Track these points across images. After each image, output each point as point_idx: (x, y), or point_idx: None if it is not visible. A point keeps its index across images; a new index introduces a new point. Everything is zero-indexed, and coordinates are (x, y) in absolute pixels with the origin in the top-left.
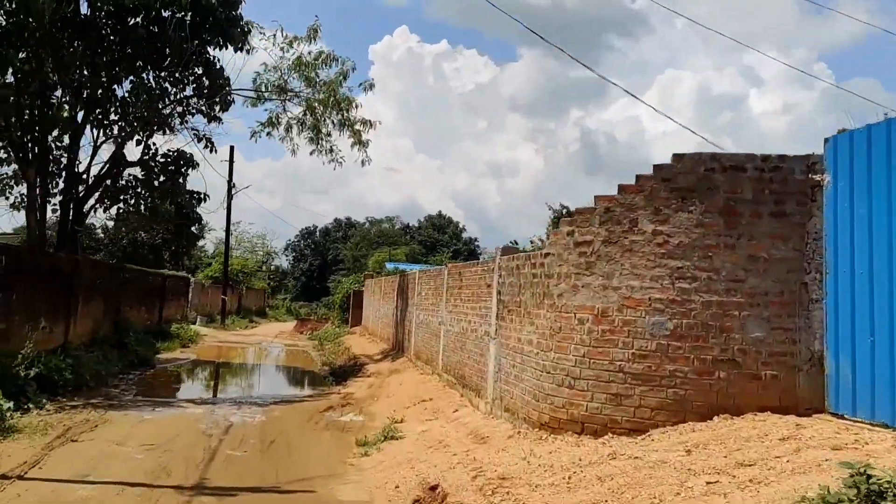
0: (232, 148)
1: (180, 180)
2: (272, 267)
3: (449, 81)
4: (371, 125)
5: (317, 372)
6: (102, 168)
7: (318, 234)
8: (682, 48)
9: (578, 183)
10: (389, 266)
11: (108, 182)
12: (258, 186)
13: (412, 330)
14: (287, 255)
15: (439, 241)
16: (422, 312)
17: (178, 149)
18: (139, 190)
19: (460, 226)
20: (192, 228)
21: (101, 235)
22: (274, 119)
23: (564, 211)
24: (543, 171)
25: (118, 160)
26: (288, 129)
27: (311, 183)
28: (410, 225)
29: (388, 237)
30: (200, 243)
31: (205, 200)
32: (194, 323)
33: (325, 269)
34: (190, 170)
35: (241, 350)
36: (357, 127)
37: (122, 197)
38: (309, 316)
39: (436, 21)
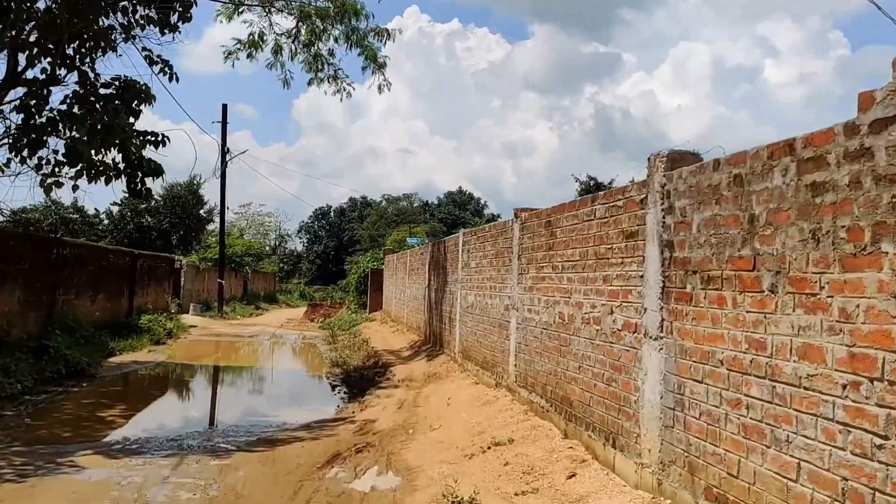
0: (224, 107)
1: (129, 119)
2: (285, 250)
3: (461, 61)
4: (388, 35)
5: (324, 378)
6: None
7: (332, 214)
8: (696, 20)
9: (594, 160)
10: (413, 242)
11: (22, 117)
12: (273, 170)
13: (455, 317)
14: (301, 238)
15: (460, 218)
16: (471, 292)
17: (124, 76)
18: (64, 126)
19: (482, 202)
20: (148, 182)
21: (107, 222)
22: (256, 38)
23: (592, 182)
24: (559, 149)
25: (35, 87)
26: (277, 50)
27: (326, 167)
28: (430, 202)
29: (407, 215)
30: (210, 227)
31: (163, 144)
32: (187, 312)
33: (341, 250)
34: (144, 105)
35: (230, 347)
36: (370, 40)
37: (43, 138)
38: (322, 300)
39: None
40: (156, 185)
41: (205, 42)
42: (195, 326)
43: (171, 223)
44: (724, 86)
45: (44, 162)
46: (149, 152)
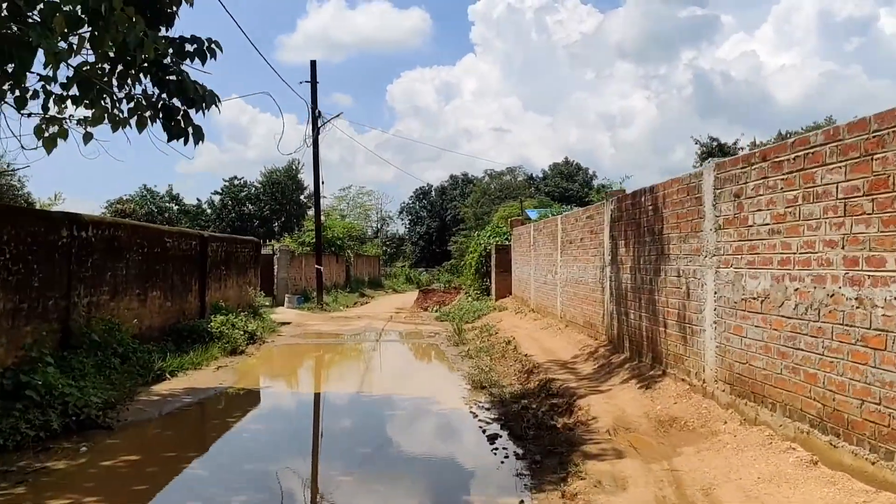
0: (313, 64)
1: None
2: (387, 233)
3: (552, 35)
4: None
5: (470, 413)
6: None
7: (433, 193)
8: None
9: (694, 128)
10: (534, 215)
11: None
12: (370, 157)
13: (703, 317)
14: (402, 219)
15: (569, 190)
16: (765, 272)
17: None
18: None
19: (590, 172)
20: (193, 116)
21: (209, 212)
22: None
23: (715, 144)
24: (657, 118)
25: None
26: None
27: (422, 151)
28: (534, 176)
29: (511, 190)
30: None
31: (211, 55)
32: (282, 304)
33: (445, 230)
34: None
35: (329, 356)
36: None
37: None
38: (430, 284)
39: None
40: (253, 171)
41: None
42: (288, 324)
43: (271, 210)
44: (832, 40)
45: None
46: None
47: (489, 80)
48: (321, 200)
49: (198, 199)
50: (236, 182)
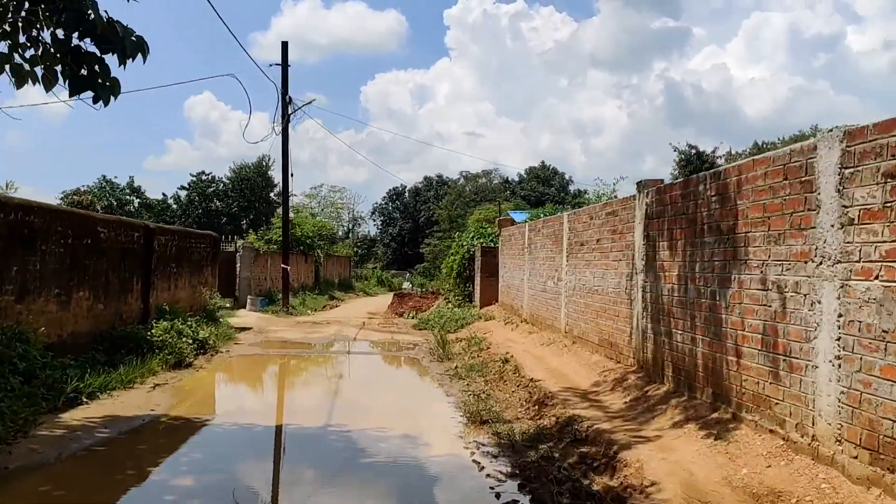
0: (285, 45)
1: None
2: (358, 235)
3: (527, 42)
4: None
5: (474, 463)
6: None
7: (406, 194)
8: None
9: (664, 137)
10: (519, 217)
11: None
12: (342, 158)
13: (814, 346)
14: (374, 220)
15: (545, 194)
16: None
17: None
18: None
19: (567, 177)
20: (104, 60)
21: (175, 207)
22: None
23: (693, 151)
24: (628, 126)
25: None
26: None
27: (394, 154)
28: (510, 179)
29: (487, 193)
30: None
31: None
32: (244, 307)
33: (418, 232)
34: None
35: (292, 372)
36: None
37: None
38: (401, 287)
39: None
40: (224, 168)
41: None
42: (248, 330)
43: (240, 207)
44: (801, 56)
45: None
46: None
47: (463, 84)
48: (290, 197)
49: (163, 194)
50: (204, 177)
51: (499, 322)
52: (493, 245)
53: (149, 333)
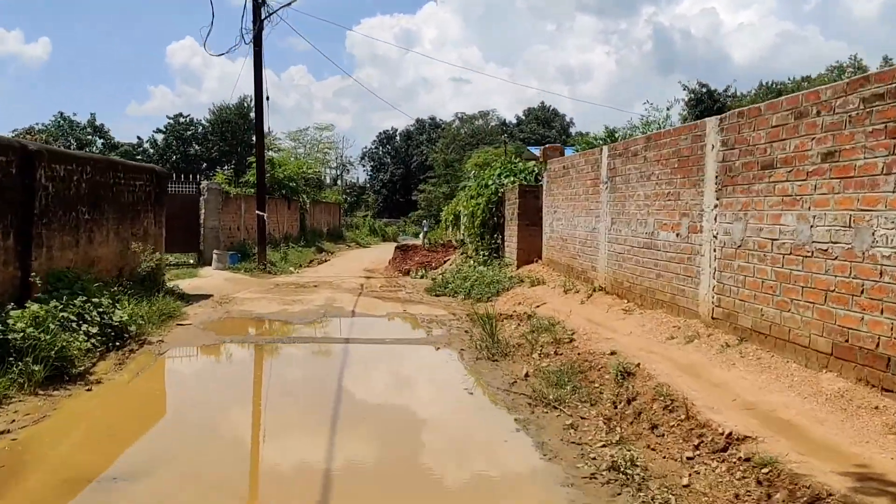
0: None
1: None
2: (346, 182)
3: None
4: None
5: None
6: None
7: (397, 138)
8: None
9: (653, 83)
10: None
11: None
12: (329, 104)
13: None
14: (364, 165)
15: (546, 137)
16: None
17: None
18: None
19: (567, 118)
20: None
21: (151, 151)
22: None
23: (704, 90)
24: (616, 73)
25: None
26: None
27: (380, 100)
28: (507, 121)
29: (484, 136)
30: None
31: None
32: (209, 264)
33: (410, 178)
34: None
35: (254, 382)
36: None
37: None
38: (396, 237)
39: None
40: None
41: None
42: (207, 298)
43: (220, 151)
44: (790, 0)
45: None
46: None
47: (449, 29)
48: (266, 126)
49: (138, 138)
50: (182, 120)
51: (553, 289)
52: (532, 184)
53: (1, 326)
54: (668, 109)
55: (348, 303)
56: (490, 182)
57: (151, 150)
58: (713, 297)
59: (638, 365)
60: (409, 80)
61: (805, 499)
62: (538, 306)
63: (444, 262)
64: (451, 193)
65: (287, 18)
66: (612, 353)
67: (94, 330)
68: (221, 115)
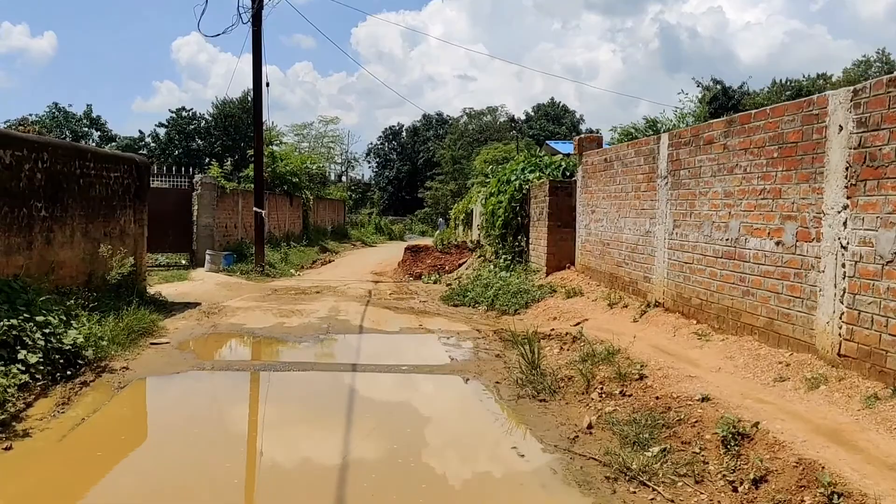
0: None
1: None
2: (351, 179)
3: None
4: None
5: None
6: None
7: (404, 134)
8: None
9: (659, 82)
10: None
11: None
12: (334, 101)
13: None
14: (370, 162)
15: (556, 133)
16: None
17: None
18: None
19: (577, 115)
20: None
21: (153, 145)
22: None
23: (719, 87)
24: (623, 71)
25: None
26: None
27: (386, 97)
28: (516, 118)
29: (493, 132)
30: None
31: None
32: (202, 266)
33: (416, 175)
34: None
35: (236, 436)
36: None
37: None
38: (402, 235)
39: None
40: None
41: None
42: (192, 307)
43: (223, 146)
44: None
45: None
46: None
47: (456, 26)
48: (265, 115)
49: (140, 132)
50: (184, 114)
51: (594, 301)
52: (564, 179)
53: None
54: (696, 101)
55: (355, 314)
56: (513, 178)
57: (153, 145)
58: (841, 328)
59: (755, 424)
60: (415, 77)
61: None
62: (579, 323)
63: (459, 265)
64: (459, 191)
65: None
66: (705, 400)
67: (35, 358)
68: (224, 110)
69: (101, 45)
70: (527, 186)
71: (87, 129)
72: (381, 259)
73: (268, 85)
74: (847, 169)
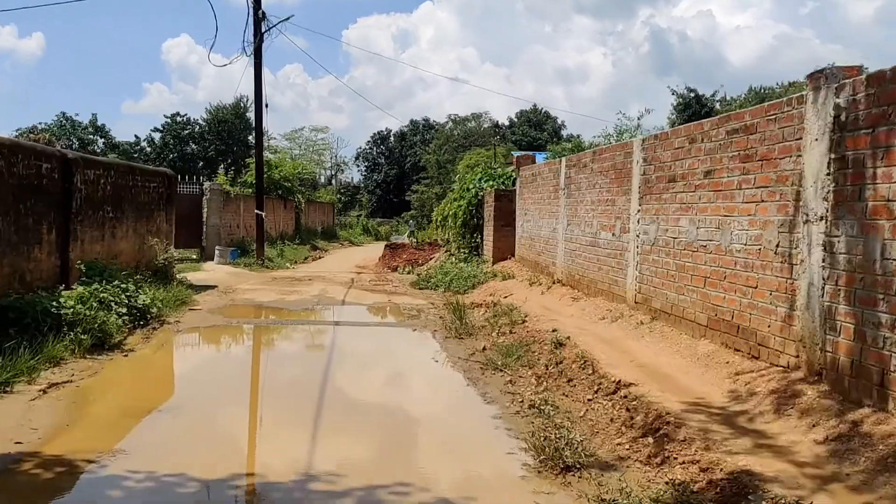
0: None
1: None
2: (341, 182)
3: None
4: None
5: None
6: None
7: (391, 139)
8: None
9: (649, 85)
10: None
11: None
12: (325, 103)
13: None
14: (358, 165)
15: (537, 139)
16: None
17: None
18: None
19: (559, 121)
20: None
21: (149, 150)
22: None
23: (692, 95)
24: (613, 74)
25: None
26: None
27: (376, 99)
28: (500, 124)
29: (477, 137)
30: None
31: None
32: (211, 259)
33: (404, 179)
34: None
35: (259, 350)
36: None
37: None
38: (389, 237)
39: None
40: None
41: None
42: (212, 289)
43: (217, 150)
44: (787, 3)
45: None
46: None
47: (447, 29)
48: (265, 134)
49: (136, 136)
50: (179, 119)
51: (521, 282)
52: (508, 188)
53: (52, 304)
54: (639, 119)
55: (339, 294)
56: (471, 186)
57: (149, 149)
58: (636, 286)
59: (568, 338)
60: (406, 78)
61: (655, 416)
62: (506, 297)
63: (430, 259)
64: (444, 194)
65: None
66: (554, 331)
67: (124, 310)
68: (218, 115)
69: (90, 46)
70: (482, 193)
71: (92, 136)
72: (366, 256)
73: (267, 106)
74: (639, 187)
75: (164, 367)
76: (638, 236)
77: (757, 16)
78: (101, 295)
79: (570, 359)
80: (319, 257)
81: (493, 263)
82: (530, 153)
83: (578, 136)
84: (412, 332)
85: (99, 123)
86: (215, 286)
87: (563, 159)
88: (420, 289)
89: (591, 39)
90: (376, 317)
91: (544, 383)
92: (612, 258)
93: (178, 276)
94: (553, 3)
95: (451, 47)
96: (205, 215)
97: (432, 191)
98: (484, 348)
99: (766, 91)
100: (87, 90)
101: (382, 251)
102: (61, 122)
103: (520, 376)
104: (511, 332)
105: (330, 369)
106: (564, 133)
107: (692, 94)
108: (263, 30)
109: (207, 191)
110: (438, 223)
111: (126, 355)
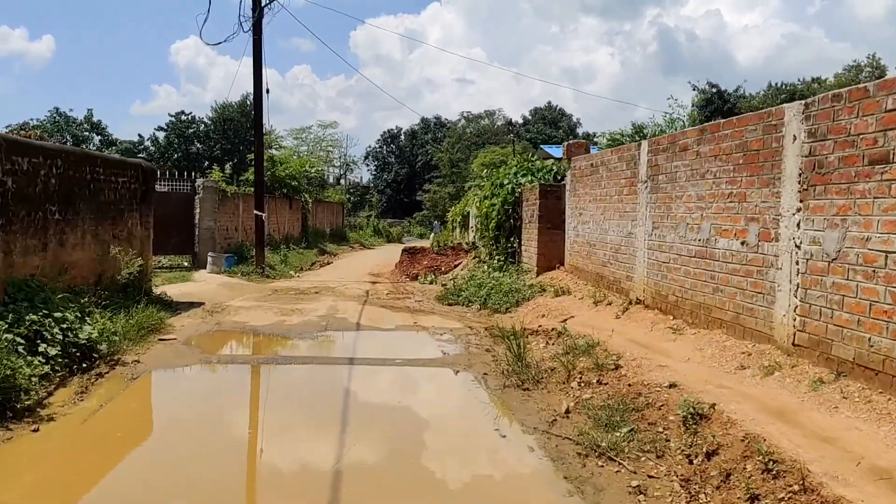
0: None
1: None
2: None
3: None
4: None
5: None
6: None
7: (402, 137)
8: None
9: (657, 85)
10: (555, 151)
11: None
12: (333, 104)
13: None
14: (368, 165)
15: (553, 137)
16: None
17: None
18: None
19: (574, 118)
20: None
21: (153, 149)
22: None
23: (714, 91)
24: (620, 74)
25: None
26: None
27: (384, 100)
28: (514, 121)
29: (490, 135)
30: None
31: None
32: (204, 267)
33: (414, 178)
34: None
35: (242, 421)
36: None
37: None
38: (401, 238)
39: None
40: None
41: None
42: (196, 307)
43: (223, 150)
44: (795, 1)
45: None
46: None
47: (454, 30)
48: (266, 122)
49: (139, 135)
50: (183, 118)
51: (581, 300)
52: (555, 182)
53: None
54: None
55: (352, 313)
56: (506, 181)
57: (153, 148)
58: (796, 319)
59: (713, 406)
60: (413, 80)
61: None
62: (566, 320)
63: (455, 266)
64: (457, 194)
65: (289, 8)
66: (672, 386)
67: (55, 351)
68: (224, 114)
69: (100, 49)
70: (519, 190)
71: (87, 133)
72: (379, 261)
73: (268, 91)
74: (800, 174)
75: (95, 454)
76: (798, 246)
77: (765, 15)
78: (8, 335)
79: (733, 448)
80: (328, 262)
81: (538, 274)
82: (582, 140)
83: (594, 134)
84: (454, 375)
85: (95, 119)
86: (202, 303)
87: (645, 142)
88: (449, 304)
89: (598, 39)
90: (401, 349)
91: (701, 496)
92: (744, 276)
93: (156, 290)
94: (560, 3)
95: (459, 48)
96: (197, 217)
97: (445, 190)
98: (567, 411)
99: (788, 87)
100: (95, 92)
101: (400, 256)
102: (54, 117)
103: (649, 476)
104: (600, 384)
105: (346, 453)
106: (580, 131)
107: (714, 90)
108: (263, 2)
109: (200, 189)
110: (457, 223)
111: (36, 429)
